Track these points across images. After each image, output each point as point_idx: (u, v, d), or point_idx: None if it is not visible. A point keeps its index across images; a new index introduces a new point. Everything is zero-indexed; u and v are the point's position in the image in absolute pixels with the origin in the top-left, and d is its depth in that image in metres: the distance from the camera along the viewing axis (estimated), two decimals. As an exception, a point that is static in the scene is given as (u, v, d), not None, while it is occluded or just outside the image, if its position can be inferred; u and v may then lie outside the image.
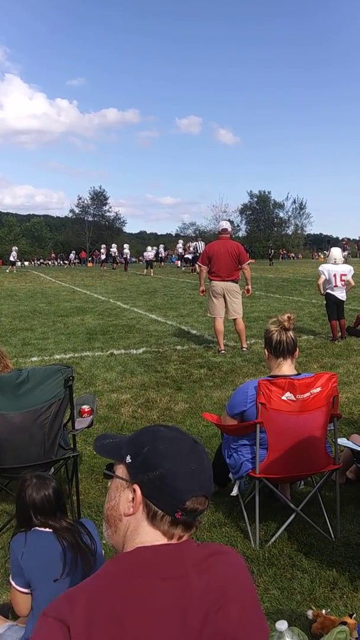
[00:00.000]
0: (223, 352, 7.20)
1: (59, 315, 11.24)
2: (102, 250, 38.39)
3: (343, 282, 8.01)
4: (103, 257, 37.72)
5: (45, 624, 0.96)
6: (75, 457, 2.94)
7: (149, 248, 31.03)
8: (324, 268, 8.09)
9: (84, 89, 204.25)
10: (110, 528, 1.12)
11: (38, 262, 56.83)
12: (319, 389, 2.67)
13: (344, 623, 1.99)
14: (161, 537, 1.06)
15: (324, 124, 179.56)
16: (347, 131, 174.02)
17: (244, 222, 71.05)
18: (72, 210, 75.75)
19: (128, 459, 1.11)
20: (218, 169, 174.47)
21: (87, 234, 69.02)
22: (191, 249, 28.32)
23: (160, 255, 36.28)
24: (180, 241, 36.57)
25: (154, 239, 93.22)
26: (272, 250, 42.54)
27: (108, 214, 75.57)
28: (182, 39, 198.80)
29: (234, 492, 2.89)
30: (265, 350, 2.88)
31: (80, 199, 74.40)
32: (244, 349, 7.33)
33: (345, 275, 8.01)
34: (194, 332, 9.04)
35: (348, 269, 8.08)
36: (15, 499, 2.06)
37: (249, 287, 7.68)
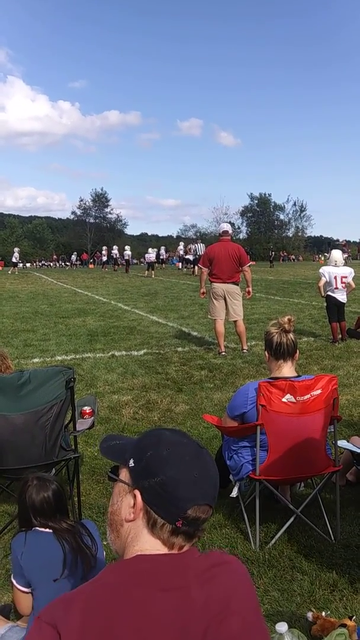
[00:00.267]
0: (224, 353, 7.20)
1: (60, 316, 11.26)
2: (103, 252, 38.41)
3: (344, 285, 8.02)
4: (104, 258, 37.74)
5: (38, 628, 0.95)
6: (76, 458, 2.95)
7: (150, 250, 31.05)
8: (325, 270, 8.10)
9: (85, 91, 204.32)
10: (113, 533, 1.10)
11: (40, 264, 56.85)
12: (319, 391, 2.68)
13: (344, 625, 2.00)
14: (161, 546, 1.03)
15: (324, 124, 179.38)
16: (347, 131, 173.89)
17: (244, 224, 71.23)
18: (73, 212, 76.05)
19: (131, 462, 1.08)
20: (219, 171, 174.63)
21: (88, 236, 69.12)
22: (192, 250, 28.33)
23: (161, 257, 36.29)
24: (182, 243, 36.60)
25: (155, 240, 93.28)
26: (273, 253, 42.57)
27: (109, 215, 75.78)
28: (183, 41, 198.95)
29: (234, 493, 2.90)
30: (266, 352, 2.89)
31: (81, 200, 74.62)
32: (245, 350, 7.34)
33: (345, 277, 8.02)
34: (195, 333, 9.06)
35: (349, 271, 8.09)
36: (17, 500, 2.08)
37: (250, 289, 7.69)
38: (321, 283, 8.09)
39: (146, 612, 0.94)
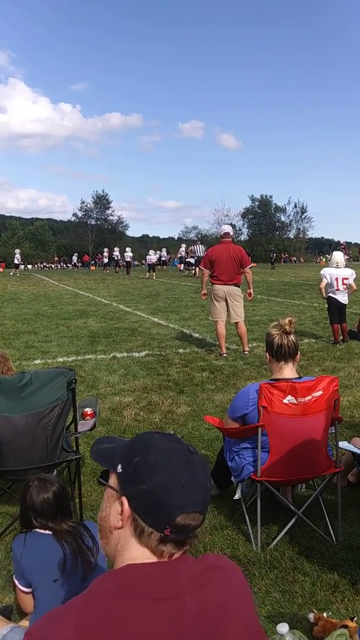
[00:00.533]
0: (225, 355, 7.21)
1: (62, 318, 11.27)
2: (104, 254, 38.47)
3: (345, 286, 8.02)
4: (106, 260, 37.80)
5: None
6: (77, 459, 2.95)
7: (151, 252, 31.08)
8: (326, 272, 8.11)
9: (87, 94, 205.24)
10: (103, 539, 1.08)
11: (41, 266, 56.96)
12: (320, 393, 2.68)
13: (345, 626, 1.99)
14: (150, 554, 1.00)
15: (325, 127, 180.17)
16: (348, 134, 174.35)
17: (245, 226, 71.29)
18: (75, 214, 76.11)
19: (119, 468, 1.04)
20: (220, 173, 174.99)
21: (90, 238, 69.20)
22: (192, 252, 28.36)
23: (163, 259, 36.34)
24: (183, 245, 36.64)
25: (156, 242, 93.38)
26: (274, 254, 42.58)
27: (111, 217, 75.88)
28: (184, 43, 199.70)
29: (236, 495, 2.90)
30: (267, 354, 2.89)
31: (83, 202, 74.72)
32: (246, 352, 7.34)
33: (347, 279, 8.02)
34: (196, 335, 9.06)
35: (350, 273, 8.10)
36: (19, 501, 2.08)
37: (251, 290, 7.69)
38: (322, 285, 8.09)
39: (139, 624, 0.91)
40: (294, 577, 2.48)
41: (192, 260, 27.71)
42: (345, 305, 8.14)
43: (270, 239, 66.29)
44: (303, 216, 70.20)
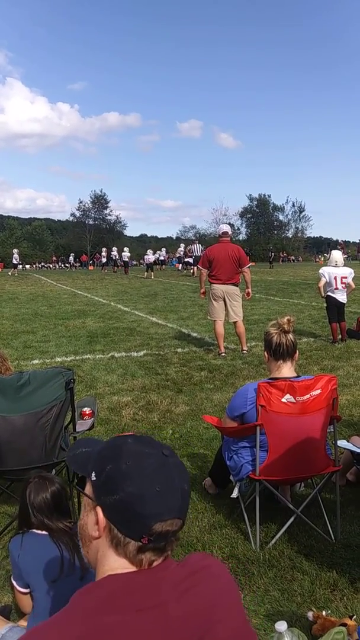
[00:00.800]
0: (223, 354, 7.21)
1: (60, 318, 11.26)
2: (103, 254, 38.44)
3: (344, 285, 8.03)
4: (104, 260, 37.77)
5: None
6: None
7: (149, 251, 31.07)
8: (325, 271, 8.11)
9: (85, 93, 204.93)
10: (84, 547, 1.06)
11: (39, 266, 56.91)
12: (318, 391, 2.68)
13: (345, 624, 2.00)
14: (128, 564, 0.97)
15: (324, 126, 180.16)
16: (346, 133, 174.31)
17: (244, 225, 71.28)
18: (73, 214, 76.00)
19: (93, 476, 1.01)
20: (219, 173, 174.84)
21: (88, 237, 69.12)
22: (190, 251, 28.37)
23: (161, 259, 36.34)
24: (182, 245, 36.64)
25: (154, 242, 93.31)
26: (272, 253, 42.54)
27: (109, 217, 75.78)
28: (183, 42, 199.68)
29: (235, 494, 2.90)
30: (265, 353, 2.89)
31: (81, 202, 74.61)
32: (244, 351, 7.34)
33: (345, 277, 8.03)
34: (195, 334, 9.06)
35: (348, 272, 8.10)
36: (19, 499, 2.08)
37: (249, 290, 7.69)
38: (321, 283, 8.09)
39: (123, 637, 0.89)
40: (293, 575, 2.48)
41: (191, 260, 27.72)
42: (344, 304, 8.15)
43: (268, 238, 66.29)
44: (301, 215, 70.31)
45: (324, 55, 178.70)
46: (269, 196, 71.81)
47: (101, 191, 77.10)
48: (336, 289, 8.00)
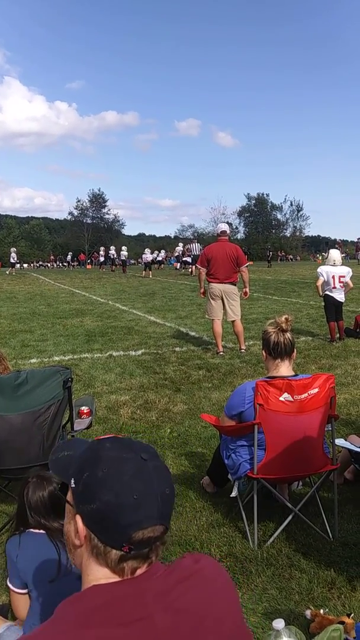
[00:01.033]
0: (221, 353, 7.21)
1: (58, 317, 11.25)
2: (101, 253, 38.43)
3: (342, 284, 8.04)
4: (102, 259, 37.74)
5: None
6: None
7: (147, 250, 31.07)
8: (323, 270, 8.12)
9: (83, 92, 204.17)
10: (70, 554, 1.03)
11: (37, 265, 56.84)
12: (316, 390, 2.68)
13: (342, 623, 2.00)
14: (110, 574, 0.94)
15: (322, 126, 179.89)
16: (344, 133, 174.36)
17: (242, 224, 71.35)
18: (71, 213, 76.17)
19: (72, 483, 0.98)
20: (217, 171, 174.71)
21: (86, 236, 69.16)
22: (188, 250, 28.36)
23: (159, 259, 36.34)
24: (180, 244, 36.66)
25: (152, 241, 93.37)
26: (271, 252, 42.55)
27: (107, 216, 75.92)
28: (181, 41, 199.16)
29: (233, 493, 2.90)
30: (263, 352, 2.89)
31: (79, 201, 74.75)
32: (243, 350, 7.35)
33: (343, 277, 8.03)
34: (193, 333, 9.06)
35: (346, 271, 8.11)
36: (17, 498, 2.08)
37: (247, 289, 7.70)
38: (319, 282, 8.10)
39: None
40: (290, 574, 2.49)
41: (189, 259, 27.71)
42: (341, 303, 8.16)
43: (266, 237, 66.36)
44: (299, 214, 70.39)
45: (322, 55, 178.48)
46: (267, 195, 72.09)
47: (99, 190, 77.03)
48: (334, 288, 8.00)
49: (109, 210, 76.80)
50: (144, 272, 27.83)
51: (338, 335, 8.13)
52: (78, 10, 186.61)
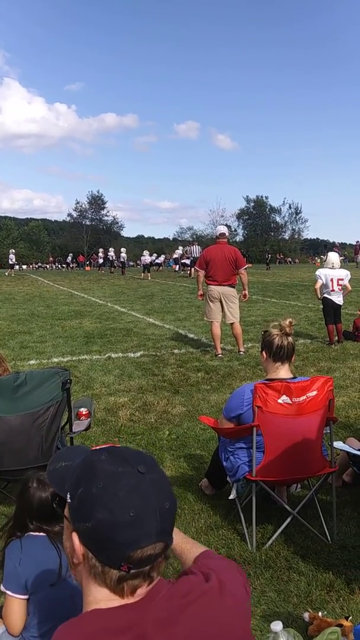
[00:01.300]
0: (220, 355, 7.21)
1: (57, 318, 11.24)
2: (100, 254, 38.44)
3: (340, 287, 8.05)
4: (101, 261, 37.75)
5: None
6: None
7: (145, 252, 31.09)
8: (321, 272, 8.13)
9: (82, 94, 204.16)
10: (71, 570, 0.99)
11: (36, 266, 56.85)
12: (315, 393, 2.69)
13: (340, 625, 2.00)
14: (110, 595, 0.90)
15: (321, 128, 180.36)
16: (343, 134, 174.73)
17: (241, 226, 71.43)
18: (70, 214, 76.03)
19: (68, 498, 0.94)
20: (216, 174, 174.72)
21: (84, 238, 69.09)
22: (187, 252, 28.41)
23: (157, 262, 36.40)
24: (180, 247, 36.71)
25: (151, 243, 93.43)
26: (269, 255, 42.65)
27: (106, 218, 75.83)
28: (181, 43, 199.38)
29: (232, 495, 2.90)
30: (264, 353, 2.88)
31: (78, 203, 74.65)
32: (241, 352, 7.35)
33: (342, 279, 8.05)
34: (192, 336, 9.06)
35: (345, 274, 8.12)
36: (16, 501, 2.06)
37: (246, 292, 7.71)
38: (318, 285, 8.12)
39: None
40: (289, 576, 2.49)
41: (187, 261, 27.73)
42: (340, 306, 8.17)
43: (265, 240, 66.42)
44: (298, 217, 70.49)
45: (322, 55, 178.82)
46: (266, 198, 72.10)
47: (98, 192, 77.04)
48: (332, 290, 8.02)
49: (108, 212, 76.83)
50: (142, 274, 27.84)
51: (336, 337, 8.14)
52: (78, 11, 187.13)
